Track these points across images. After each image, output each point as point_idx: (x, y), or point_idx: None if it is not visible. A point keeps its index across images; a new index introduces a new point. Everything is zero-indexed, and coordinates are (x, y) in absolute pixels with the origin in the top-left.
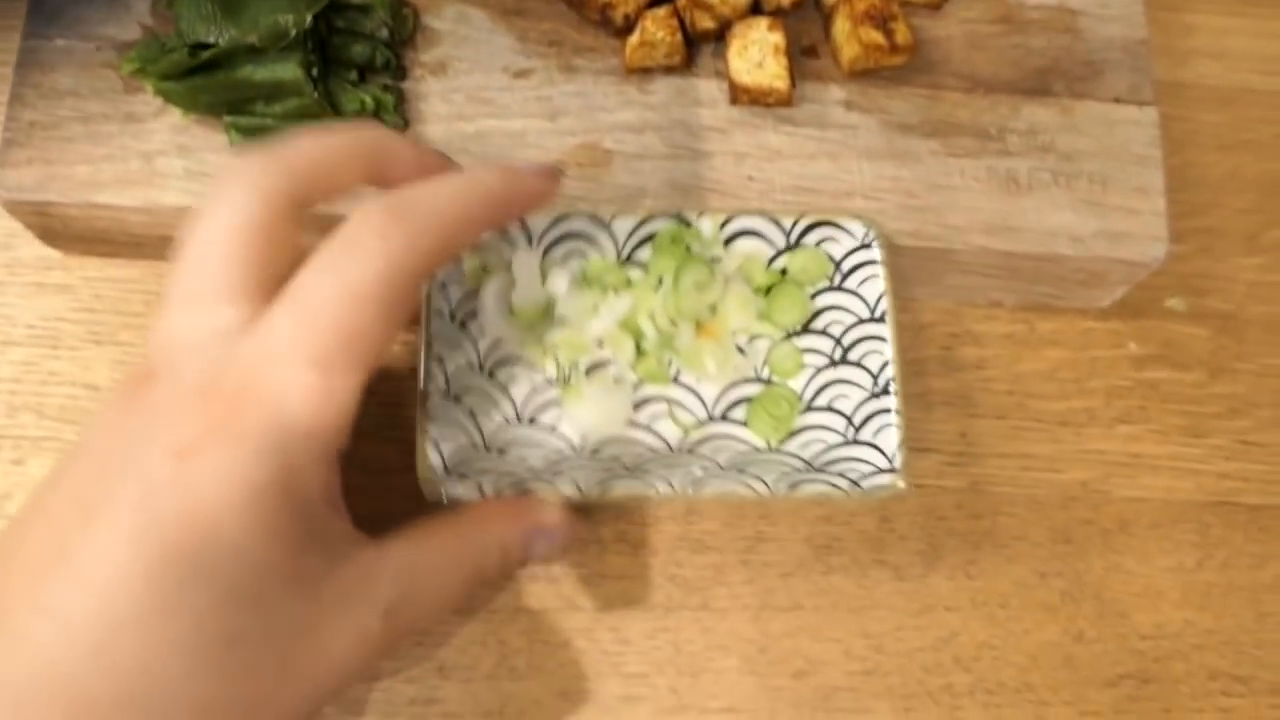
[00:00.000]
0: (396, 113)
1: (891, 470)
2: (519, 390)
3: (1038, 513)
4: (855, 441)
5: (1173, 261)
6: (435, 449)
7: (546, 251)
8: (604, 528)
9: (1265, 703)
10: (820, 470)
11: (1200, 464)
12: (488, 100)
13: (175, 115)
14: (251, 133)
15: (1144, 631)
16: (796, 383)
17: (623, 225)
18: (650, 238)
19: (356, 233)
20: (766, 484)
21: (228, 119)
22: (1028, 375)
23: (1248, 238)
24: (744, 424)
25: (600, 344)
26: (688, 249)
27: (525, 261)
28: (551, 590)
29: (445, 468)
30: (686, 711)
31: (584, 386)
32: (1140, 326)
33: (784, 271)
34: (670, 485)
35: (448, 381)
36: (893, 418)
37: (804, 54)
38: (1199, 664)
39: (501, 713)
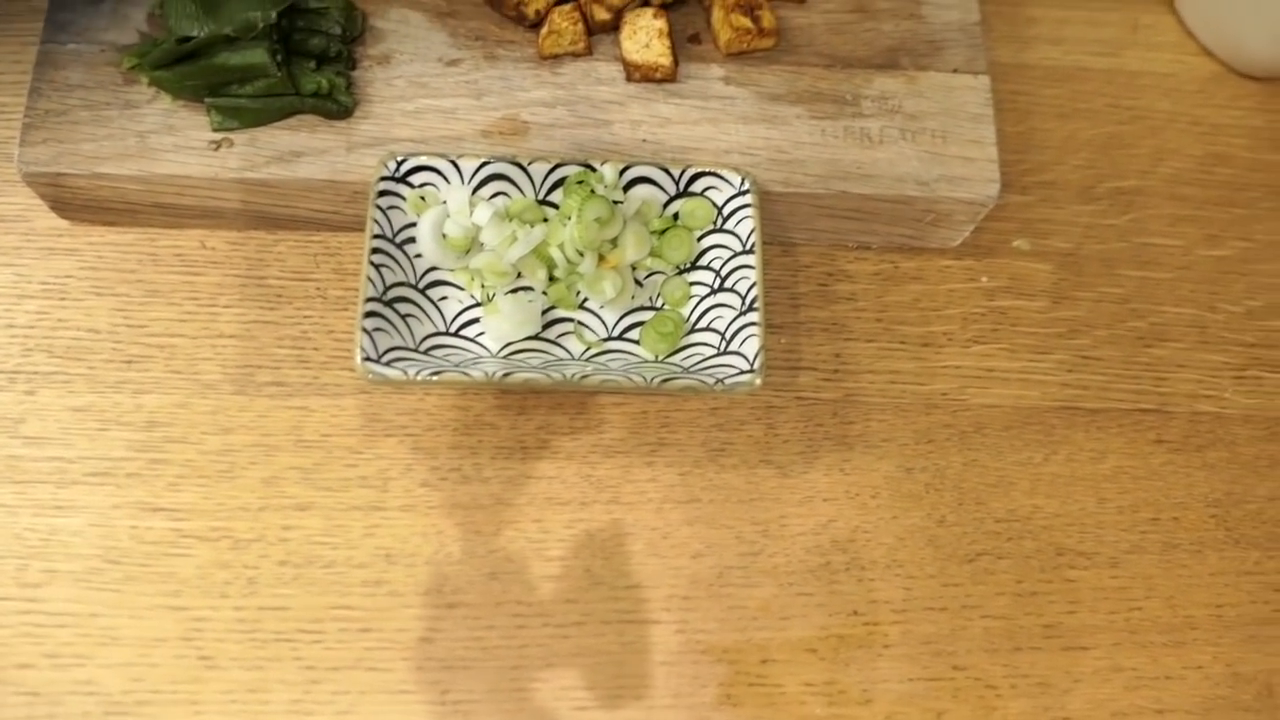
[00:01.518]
0: (348, 94)
1: (751, 371)
2: (448, 306)
3: (904, 418)
4: (726, 352)
5: (1018, 209)
6: (370, 340)
7: (475, 190)
8: (528, 437)
9: (1106, 574)
10: (695, 374)
11: (1045, 376)
12: (424, 84)
13: (165, 101)
14: (229, 111)
15: (998, 516)
16: (684, 310)
17: (539, 169)
18: (562, 181)
19: None
20: (645, 379)
21: (208, 100)
22: (894, 305)
23: (1083, 189)
24: (637, 342)
25: (518, 271)
26: (592, 191)
27: (456, 196)
28: (484, 489)
29: (377, 356)
30: (599, 588)
31: (502, 302)
32: (991, 264)
33: (676, 216)
34: (563, 375)
35: (385, 290)
36: (755, 330)
37: (689, 41)
38: (1047, 542)
39: (439, 591)
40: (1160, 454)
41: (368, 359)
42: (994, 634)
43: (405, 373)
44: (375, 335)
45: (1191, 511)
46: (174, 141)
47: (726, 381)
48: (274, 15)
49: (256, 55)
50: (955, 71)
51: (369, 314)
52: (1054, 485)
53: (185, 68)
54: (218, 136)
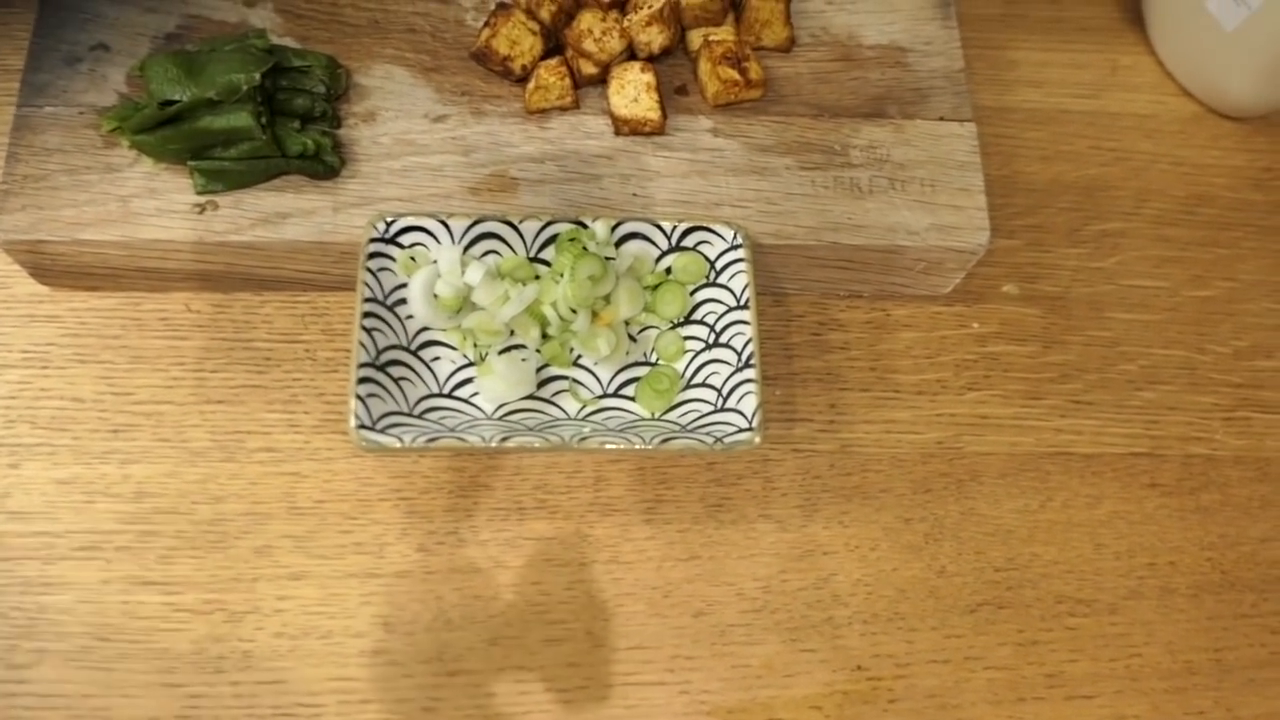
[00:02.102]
0: (333, 153)
1: (750, 429)
2: (441, 367)
3: (900, 468)
4: (723, 409)
5: (1005, 254)
6: (364, 406)
7: (466, 249)
8: (525, 497)
9: (1106, 621)
10: (692, 432)
11: (1039, 421)
12: (411, 142)
13: (147, 164)
14: (212, 174)
15: (997, 565)
16: (679, 365)
17: (530, 227)
18: (554, 238)
19: None
20: (643, 440)
21: (191, 163)
22: (886, 354)
23: (1070, 232)
24: (633, 399)
25: (510, 329)
26: (584, 248)
27: (447, 256)
28: (481, 552)
29: (371, 423)
30: (600, 650)
31: (495, 363)
32: (981, 309)
33: (669, 271)
34: (561, 438)
35: (378, 354)
36: (753, 386)
37: (677, 93)
38: (1046, 590)
39: (440, 659)
40: (1154, 498)
41: (362, 426)
42: (998, 685)
43: (401, 440)
44: (369, 401)
45: (1187, 555)
46: (157, 205)
47: (726, 440)
48: (258, 77)
49: (241, 118)
50: (941, 119)
51: (362, 380)
52: (1051, 532)
53: (168, 132)
54: (202, 199)
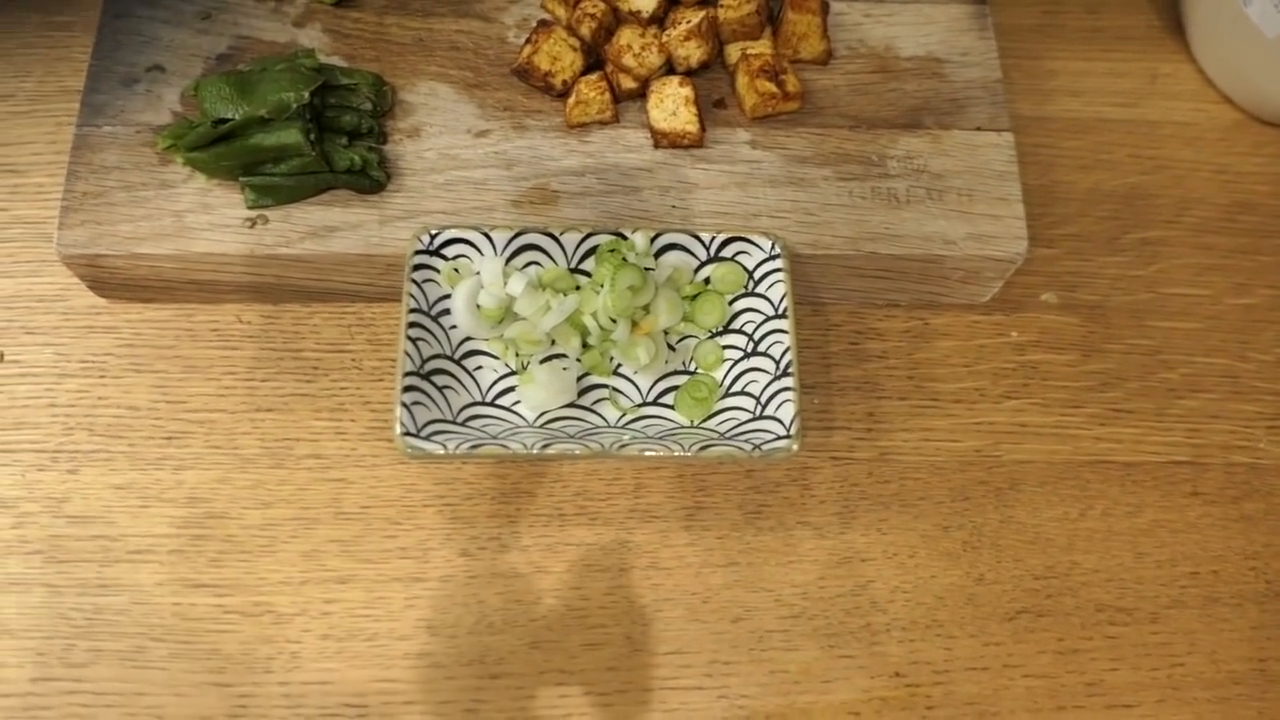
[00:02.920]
0: (380, 168)
1: (788, 436)
2: (484, 376)
3: (939, 476)
4: (762, 417)
5: (1044, 263)
6: (409, 414)
7: (508, 260)
8: (566, 504)
9: (1147, 630)
10: (730, 439)
11: (1078, 430)
12: (454, 156)
13: (200, 180)
14: (263, 189)
15: (1036, 573)
16: (718, 373)
17: (571, 239)
18: (594, 250)
19: None
20: (682, 447)
21: (243, 179)
22: (925, 362)
23: (1109, 240)
24: (672, 407)
25: (551, 339)
26: (624, 259)
27: (490, 268)
28: (523, 558)
29: (416, 430)
30: (639, 655)
31: (537, 372)
32: (1020, 318)
33: (707, 281)
34: (601, 445)
35: (423, 363)
36: (791, 395)
37: (715, 106)
38: (1086, 599)
39: (482, 661)
40: (1196, 507)
41: (407, 433)
42: (1037, 694)
43: (445, 447)
44: (414, 409)
45: (1230, 564)
46: (210, 220)
47: (764, 448)
48: (307, 95)
49: (291, 135)
50: (979, 129)
51: (407, 388)
52: (1091, 541)
53: (220, 149)
54: (253, 214)
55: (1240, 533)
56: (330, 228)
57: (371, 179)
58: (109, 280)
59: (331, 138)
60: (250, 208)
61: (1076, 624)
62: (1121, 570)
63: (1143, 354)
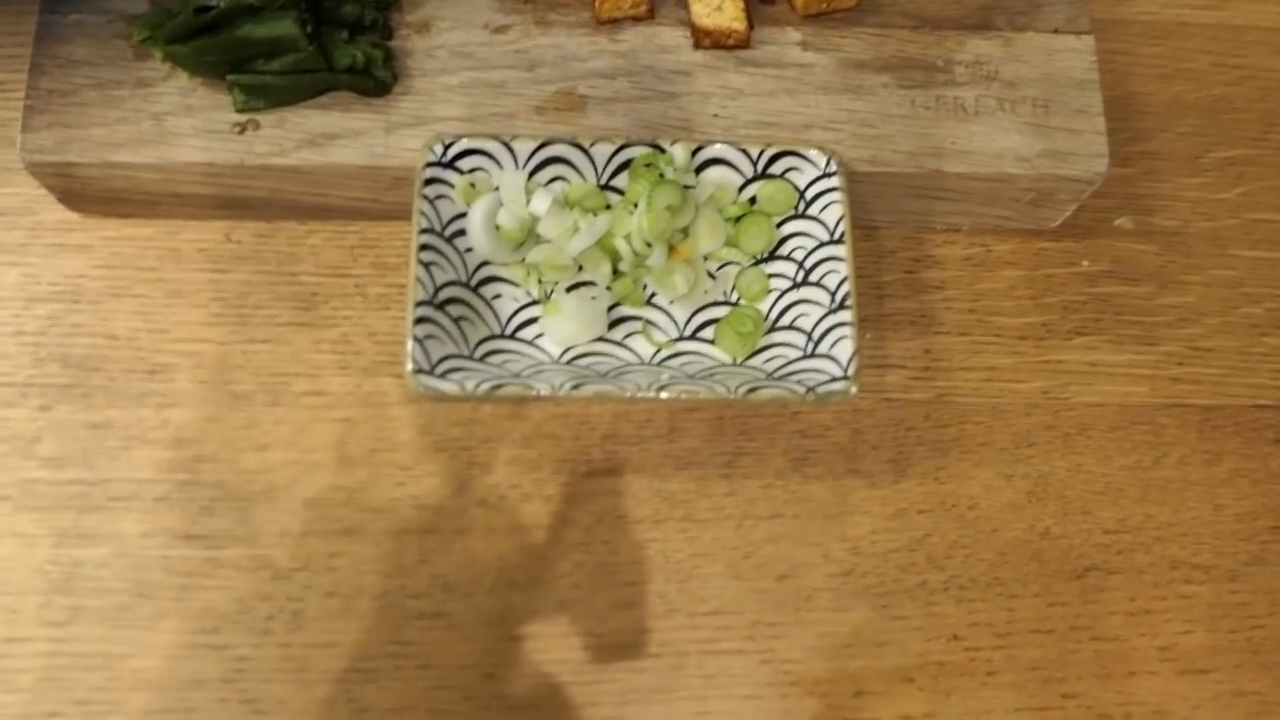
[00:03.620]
0: (385, 67)
1: (845, 378)
2: (503, 305)
3: (1002, 420)
4: (814, 355)
5: (1119, 184)
6: (421, 349)
7: (531, 175)
8: (593, 449)
9: (1225, 589)
10: (780, 380)
11: (1154, 370)
12: (469, 55)
13: (182, 78)
14: (253, 90)
15: (1107, 526)
16: (763, 305)
17: (602, 151)
18: (628, 164)
19: None
20: (728, 389)
21: (230, 77)
22: (987, 294)
23: (1189, 159)
24: (712, 342)
25: (579, 264)
26: (661, 175)
27: (511, 183)
28: (546, 509)
29: (429, 367)
30: (675, 615)
31: (563, 302)
32: (1091, 245)
33: (753, 200)
34: (636, 385)
35: (436, 291)
36: (848, 330)
37: (762, 1)
38: (1160, 555)
39: (503, 621)
40: None
41: (420, 370)
42: (1106, 658)
43: (463, 386)
44: (427, 344)
45: None
46: (193, 124)
47: (819, 391)
48: None
49: (284, 26)
50: (1056, 32)
51: (420, 320)
52: (1166, 491)
53: (204, 41)
54: (242, 118)
55: None
56: (330, 135)
57: (376, 79)
58: (81, 192)
59: (331, 31)
60: (239, 110)
61: (1149, 582)
62: (1198, 524)
63: (1225, 286)
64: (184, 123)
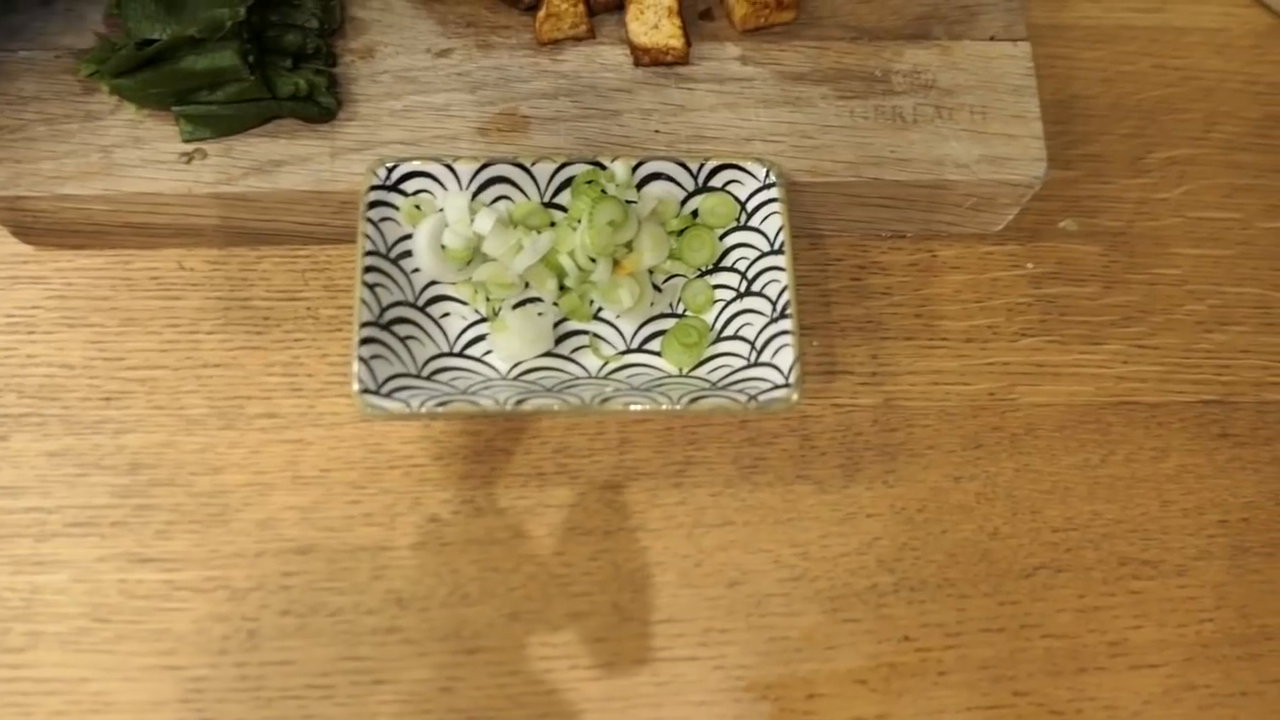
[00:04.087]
0: (329, 94)
1: (787, 385)
2: (451, 324)
3: (949, 423)
4: (757, 364)
5: (1063, 186)
6: (367, 369)
7: (475, 195)
8: (545, 462)
9: (1173, 584)
10: (724, 390)
11: (1100, 369)
12: (413, 79)
13: (129, 111)
14: (199, 120)
15: (1055, 525)
16: (708, 316)
17: (544, 169)
18: (569, 181)
19: None
20: (671, 399)
21: (176, 109)
22: (933, 298)
23: (1132, 160)
24: (658, 354)
25: (525, 281)
26: (603, 191)
27: (455, 204)
28: (499, 522)
29: (376, 387)
30: (628, 624)
31: (510, 319)
32: (1036, 248)
33: (695, 213)
34: (582, 400)
35: (382, 311)
36: (789, 339)
37: (701, 17)
38: (1109, 551)
39: (457, 636)
40: (1226, 449)
41: (366, 390)
42: (1056, 655)
43: (408, 404)
44: (373, 363)
45: (1262, 511)
46: (141, 155)
47: (761, 399)
48: (243, 11)
49: (225, 58)
50: (993, 39)
51: (365, 340)
52: (1114, 489)
53: (148, 74)
54: (189, 148)
55: (1273, 476)
56: (276, 162)
57: (320, 106)
58: (33, 225)
59: (274, 60)
60: (186, 140)
61: (1098, 579)
62: (1146, 520)
63: (1169, 284)
64: (132, 154)
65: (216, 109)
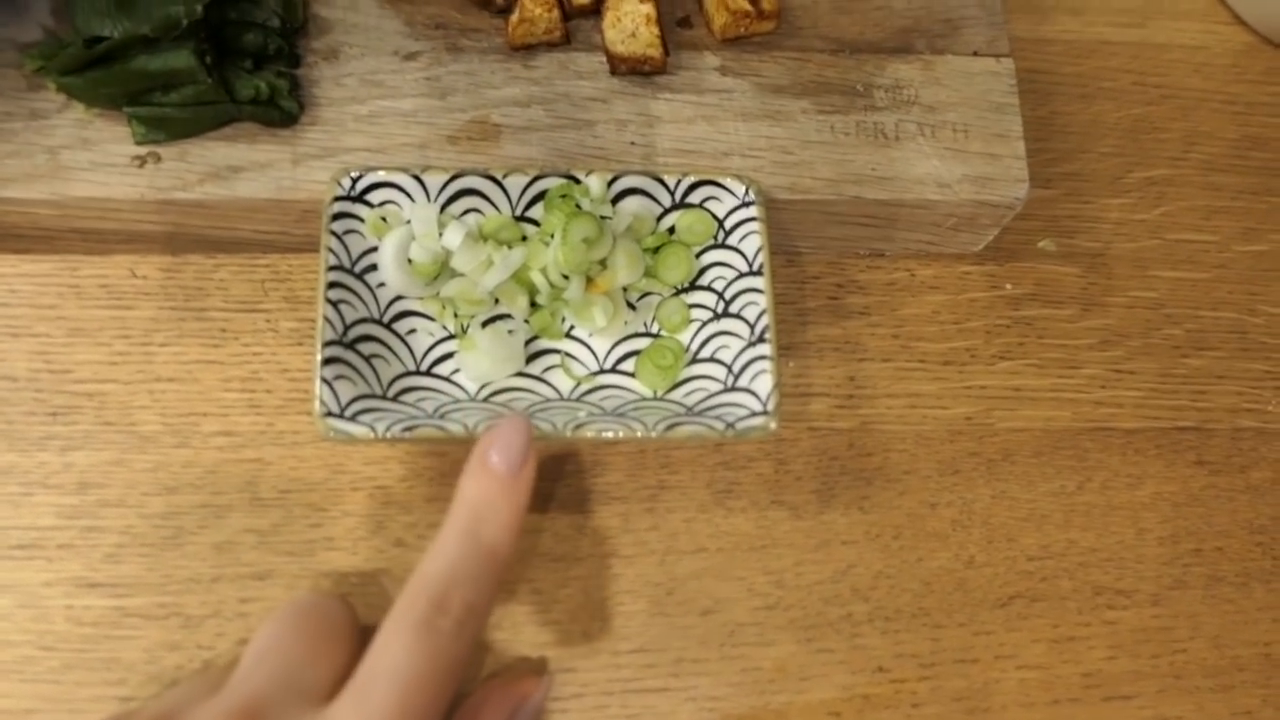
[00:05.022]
0: (291, 97)
1: (765, 413)
2: (418, 341)
3: (926, 447)
4: (734, 388)
5: (1041, 205)
6: (330, 390)
7: (444, 207)
8: None
9: (1148, 614)
10: (700, 415)
11: (1077, 393)
12: (379, 83)
13: (78, 110)
14: (152, 122)
15: (1031, 553)
16: (684, 336)
17: (516, 182)
18: (542, 195)
19: (404, 628)
20: (646, 426)
21: (128, 110)
22: (911, 319)
23: (1112, 180)
24: (632, 375)
25: (495, 298)
26: (577, 206)
27: (423, 216)
28: None
29: (340, 410)
30: (599, 655)
31: (479, 337)
32: (1015, 268)
33: (671, 230)
34: (553, 425)
35: (346, 329)
36: (767, 364)
37: (679, 25)
38: (1084, 581)
39: None
40: (1201, 477)
41: (329, 414)
42: (1030, 686)
43: (373, 429)
44: (337, 385)
45: (1236, 540)
46: (90, 158)
47: (738, 426)
48: (200, 9)
49: (180, 58)
50: (975, 54)
51: (329, 360)
52: (1089, 516)
53: (98, 73)
54: (142, 151)
55: (1247, 505)
56: (234, 168)
57: (281, 110)
58: None
59: (232, 61)
60: (139, 143)
61: (1073, 609)
62: (1121, 549)
63: (1146, 307)
64: (81, 156)
65: (171, 111)
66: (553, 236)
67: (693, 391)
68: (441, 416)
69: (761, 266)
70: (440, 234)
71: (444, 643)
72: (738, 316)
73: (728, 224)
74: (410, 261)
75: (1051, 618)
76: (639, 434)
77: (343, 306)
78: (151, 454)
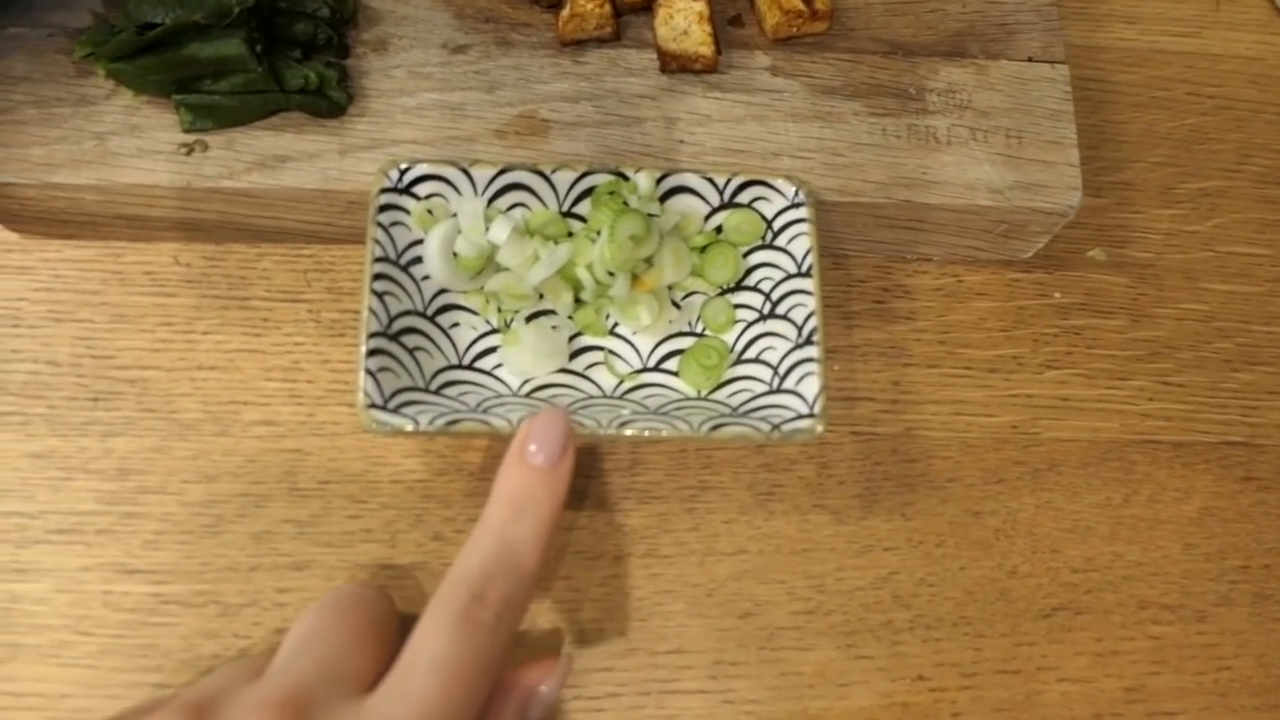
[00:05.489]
0: (339, 88)
1: (811, 416)
2: (461, 335)
3: (970, 455)
4: (780, 390)
5: (1092, 214)
6: (374, 382)
7: (491, 201)
8: None
9: (1193, 630)
10: (745, 416)
11: (1125, 405)
12: (427, 75)
13: (126, 97)
14: (201, 110)
15: (1075, 565)
16: (728, 336)
17: (564, 178)
18: (590, 191)
19: (444, 619)
20: (691, 426)
21: (177, 97)
22: (957, 325)
23: (1163, 190)
24: (676, 374)
25: (539, 293)
26: (625, 203)
27: (469, 209)
28: None
29: (383, 401)
30: (636, 654)
31: (523, 332)
32: (1064, 277)
33: (719, 229)
34: (597, 423)
35: (390, 321)
36: (814, 366)
37: (731, 24)
38: (1129, 594)
39: None
40: (1250, 493)
41: (373, 405)
42: (1072, 699)
43: (416, 422)
44: (380, 377)
45: None
46: (138, 145)
47: (784, 429)
48: None
49: (231, 46)
50: (1030, 60)
51: (373, 352)
52: (1135, 530)
53: (148, 60)
54: (189, 139)
55: None
56: (281, 157)
57: (329, 100)
58: (20, 213)
59: (282, 50)
60: (186, 131)
61: (1117, 622)
62: (1168, 563)
63: (1197, 320)
64: (128, 143)
65: (220, 99)
66: (599, 233)
67: (737, 392)
68: (484, 411)
69: (810, 268)
70: (486, 228)
71: (483, 634)
72: (784, 318)
73: (776, 225)
74: (455, 255)
75: (1095, 631)
76: (685, 433)
77: (387, 298)
78: (192, 442)
